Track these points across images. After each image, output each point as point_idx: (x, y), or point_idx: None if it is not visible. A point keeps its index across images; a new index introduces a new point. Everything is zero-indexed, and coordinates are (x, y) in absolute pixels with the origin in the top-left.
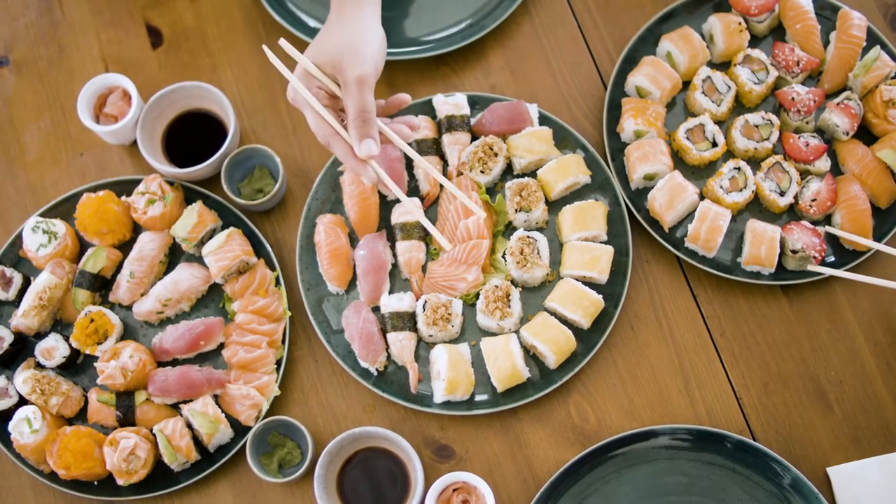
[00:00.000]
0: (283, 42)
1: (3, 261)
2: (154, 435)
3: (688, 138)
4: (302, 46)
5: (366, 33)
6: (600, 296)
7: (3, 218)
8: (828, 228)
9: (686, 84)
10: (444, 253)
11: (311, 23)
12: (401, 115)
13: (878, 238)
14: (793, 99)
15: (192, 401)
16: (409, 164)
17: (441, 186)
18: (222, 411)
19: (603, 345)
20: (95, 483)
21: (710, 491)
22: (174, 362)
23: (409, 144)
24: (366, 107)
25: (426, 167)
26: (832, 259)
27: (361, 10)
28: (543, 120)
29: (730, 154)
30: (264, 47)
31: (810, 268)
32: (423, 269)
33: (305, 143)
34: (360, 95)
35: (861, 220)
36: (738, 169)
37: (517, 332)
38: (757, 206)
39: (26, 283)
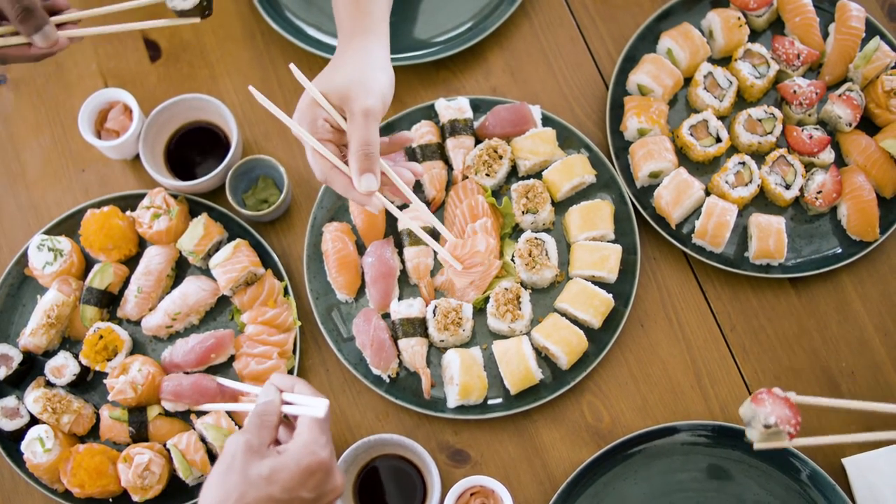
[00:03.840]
0: (293, 69)
1: (9, 280)
2: (168, 450)
3: (691, 134)
4: (301, 54)
5: (374, 68)
6: (610, 295)
7: (7, 237)
8: (800, 400)
9: (687, 80)
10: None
11: (310, 31)
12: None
13: (884, 228)
14: (794, 92)
15: (204, 413)
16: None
17: (447, 190)
18: (235, 423)
19: (614, 344)
20: (110, 500)
21: (727, 486)
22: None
23: (412, 148)
24: (370, 140)
25: (426, 216)
26: (839, 251)
27: (370, 45)
28: (546, 121)
29: (734, 149)
30: (251, 88)
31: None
32: (432, 274)
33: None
34: (365, 128)
35: (867, 210)
36: (743, 163)
37: (528, 334)
38: (762, 200)
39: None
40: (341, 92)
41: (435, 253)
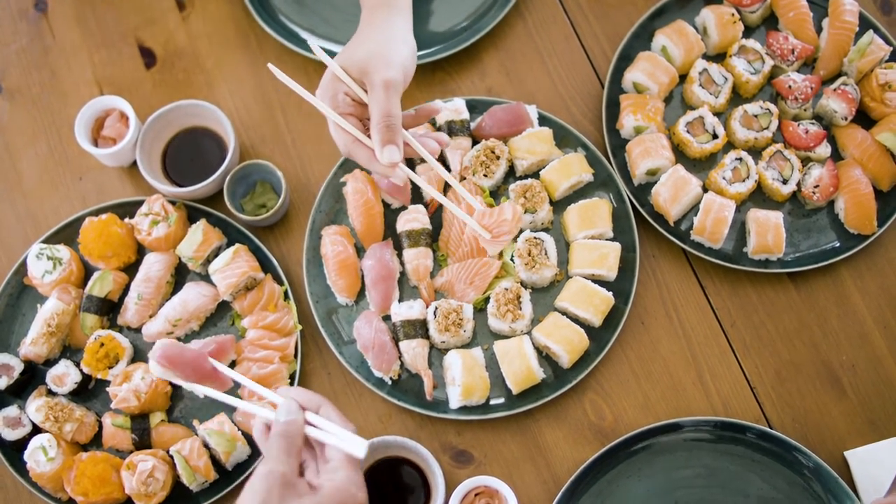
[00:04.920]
0: (314, 46)
1: (8, 289)
2: (171, 456)
3: (688, 131)
4: (297, 58)
5: (395, 40)
6: (610, 293)
7: (6, 246)
8: None
9: (683, 78)
10: (450, 266)
11: (304, 35)
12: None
13: (881, 221)
14: (790, 87)
15: (207, 419)
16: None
17: (445, 193)
18: (238, 429)
19: (615, 342)
20: None
21: (730, 482)
22: None
23: None
24: (391, 111)
25: (458, 189)
26: (837, 245)
27: (392, 18)
28: (543, 120)
29: (730, 145)
30: (270, 66)
31: None
32: (431, 275)
33: (306, 156)
34: (385, 99)
35: (864, 203)
36: (740, 159)
37: (529, 333)
38: (760, 196)
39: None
40: (361, 65)
41: (434, 252)
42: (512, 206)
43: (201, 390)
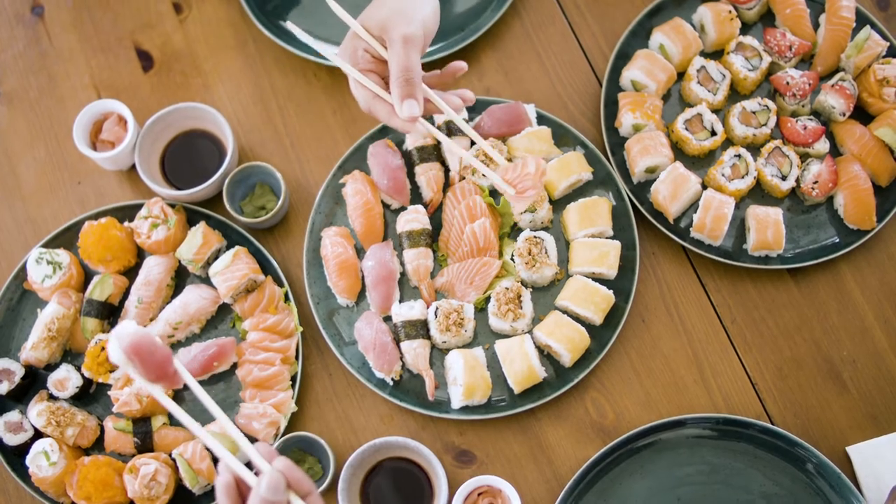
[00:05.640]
0: (330, 3)
1: (8, 294)
2: (174, 459)
3: (687, 129)
4: (295, 60)
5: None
6: (610, 291)
7: (5, 251)
8: None
9: (681, 75)
10: (450, 267)
11: (302, 37)
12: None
13: (881, 216)
14: (787, 83)
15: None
16: (411, 172)
17: (444, 192)
18: (242, 431)
19: (616, 340)
20: None
21: (733, 478)
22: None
23: (409, 151)
24: (410, 66)
25: (468, 132)
26: (836, 240)
27: None
28: (541, 119)
29: (729, 142)
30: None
31: None
32: (432, 275)
33: (304, 157)
34: (404, 54)
35: (863, 199)
36: (739, 156)
37: (530, 332)
38: (759, 192)
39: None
40: (382, 22)
41: (434, 253)
42: (535, 160)
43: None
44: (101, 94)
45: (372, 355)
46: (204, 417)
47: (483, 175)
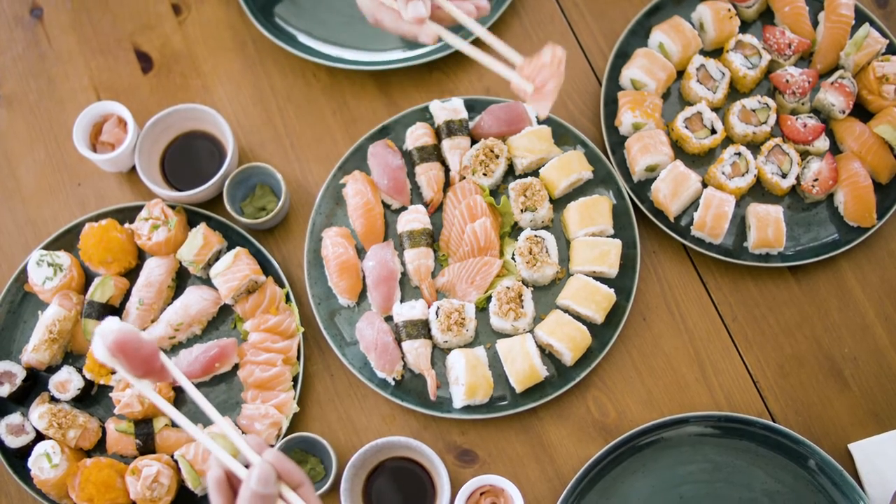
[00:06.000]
0: None
1: (9, 296)
2: (176, 461)
3: (686, 127)
4: (294, 61)
5: None
6: (611, 290)
7: (6, 253)
8: None
9: (680, 74)
10: (451, 266)
11: (301, 38)
12: None
13: (881, 213)
14: (787, 81)
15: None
16: (411, 172)
17: (445, 192)
18: (242, 432)
19: (617, 338)
20: None
21: (735, 476)
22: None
23: (410, 151)
24: None
25: (494, 43)
26: (837, 238)
27: None
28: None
29: (729, 140)
30: None
31: None
32: (433, 275)
33: (304, 158)
34: None
35: (864, 196)
36: (739, 154)
37: (531, 331)
38: (759, 190)
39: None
40: None
41: (435, 252)
42: (552, 48)
43: (169, 412)
44: (101, 95)
45: (373, 355)
46: (206, 419)
47: (483, 177)
